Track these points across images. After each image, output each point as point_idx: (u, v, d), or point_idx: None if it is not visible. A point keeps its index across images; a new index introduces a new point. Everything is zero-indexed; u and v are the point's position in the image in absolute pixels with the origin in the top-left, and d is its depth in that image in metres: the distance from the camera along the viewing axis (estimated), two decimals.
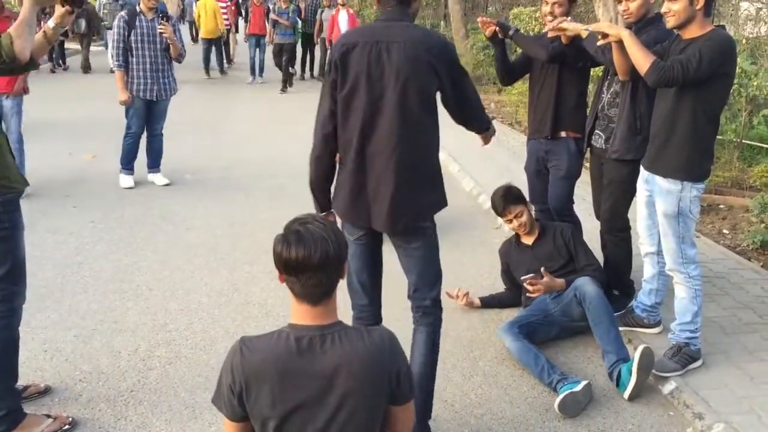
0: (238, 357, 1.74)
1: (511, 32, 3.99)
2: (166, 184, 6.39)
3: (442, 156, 7.49)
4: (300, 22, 13.23)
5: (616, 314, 3.51)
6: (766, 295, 4.19)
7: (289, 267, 1.74)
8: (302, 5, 13.70)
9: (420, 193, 2.58)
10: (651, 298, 3.63)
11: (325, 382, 1.72)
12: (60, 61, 14.08)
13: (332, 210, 2.72)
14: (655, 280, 3.58)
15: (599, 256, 3.92)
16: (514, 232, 4.01)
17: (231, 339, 3.38)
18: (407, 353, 2.11)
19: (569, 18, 3.65)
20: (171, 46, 6.01)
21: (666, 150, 3.19)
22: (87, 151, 7.46)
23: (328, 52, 11.66)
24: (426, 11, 20.30)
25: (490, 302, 4.09)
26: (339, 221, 2.67)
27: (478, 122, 2.80)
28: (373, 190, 2.55)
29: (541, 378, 3.28)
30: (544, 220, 4.11)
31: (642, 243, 3.56)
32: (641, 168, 3.40)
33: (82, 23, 13.04)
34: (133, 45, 5.91)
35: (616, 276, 3.90)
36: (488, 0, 20.14)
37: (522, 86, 7.95)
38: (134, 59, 5.94)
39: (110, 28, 6.10)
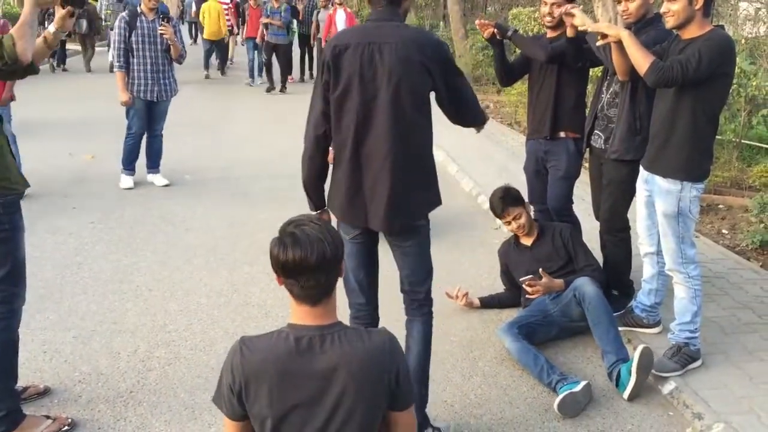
0: (238, 357, 1.75)
1: (509, 33, 3.99)
2: (166, 185, 6.39)
3: (441, 156, 7.51)
4: (296, 22, 13.15)
5: (615, 314, 3.51)
6: (766, 295, 4.18)
7: (286, 270, 1.74)
8: (300, 6, 13.67)
9: (416, 193, 2.59)
10: (650, 298, 3.64)
11: (324, 382, 1.72)
12: (60, 62, 14.05)
13: (326, 208, 2.73)
14: (655, 280, 3.58)
15: (599, 256, 3.92)
16: (513, 233, 4.01)
17: (230, 340, 3.38)
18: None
19: (579, 7, 3.65)
20: (172, 47, 6.02)
21: (665, 150, 3.19)
22: (87, 152, 7.46)
23: None
24: (425, 11, 20.32)
25: (489, 302, 4.08)
26: (334, 220, 2.68)
27: (473, 120, 2.80)
28: (369, 190, 2.55)
29: (540, 378, 3.28)
30: (543, 220, 4.11)
31: (641, 243, 3.56)
32: (641, 168, 3.40)
33: (84, 24, 13.02)
34: (133, 46, 5.91)
35: (616, 276, 3.91)
36: (487, 0, 20.16)
37: (521, 86, 7.94)
38: (135, 60, 5.94)
39: (113, 29, 6.12)
